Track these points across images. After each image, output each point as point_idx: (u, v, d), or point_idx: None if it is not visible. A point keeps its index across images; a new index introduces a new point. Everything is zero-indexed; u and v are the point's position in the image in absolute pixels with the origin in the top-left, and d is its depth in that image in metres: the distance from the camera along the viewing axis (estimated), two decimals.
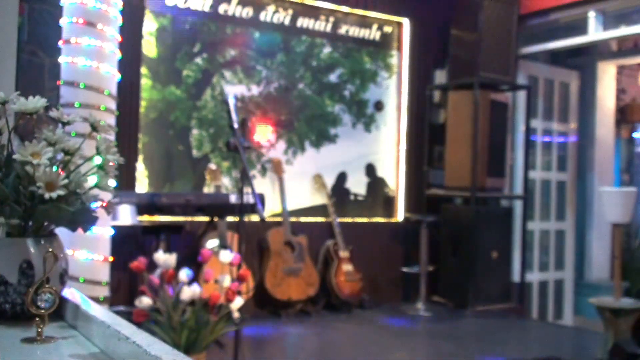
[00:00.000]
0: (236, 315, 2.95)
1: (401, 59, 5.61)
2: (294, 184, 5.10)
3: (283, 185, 4.86)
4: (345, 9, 5.28)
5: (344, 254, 4.95)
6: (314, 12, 5.18)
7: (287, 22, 5.06)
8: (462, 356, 4.01)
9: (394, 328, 4.70)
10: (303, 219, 5.11)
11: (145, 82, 4.48)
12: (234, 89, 4.84)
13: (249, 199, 3.55)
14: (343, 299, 4.89)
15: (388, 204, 5.61)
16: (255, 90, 4.95)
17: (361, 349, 4.14)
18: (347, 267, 4.93)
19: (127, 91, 4.20)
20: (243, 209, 3.27)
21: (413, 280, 5.25)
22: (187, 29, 4.64)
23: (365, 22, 5.43)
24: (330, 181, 5.30)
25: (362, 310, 4.99)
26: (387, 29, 5.55)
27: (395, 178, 5.63)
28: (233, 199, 4.11)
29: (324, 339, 4.34)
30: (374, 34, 5.48)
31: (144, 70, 4.46)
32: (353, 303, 4.96)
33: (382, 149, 5.57)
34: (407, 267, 5.34)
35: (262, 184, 4.88)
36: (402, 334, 4.56)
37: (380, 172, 5.57)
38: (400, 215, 5.57)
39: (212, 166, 4.67)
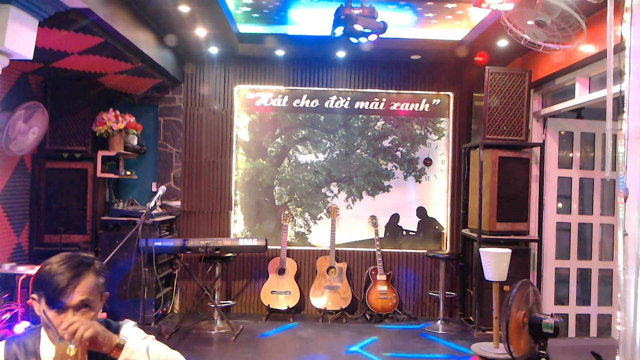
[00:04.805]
0: None
1: (449, 123, 6.86)
2: (353, 222, 6.81)
3: (334, 226, 6.59)
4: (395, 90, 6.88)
5: (380, 277, 6.35)
6: (368, 96, 6.92)
7: (346, 106, 6.91)
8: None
9: (396, 334, 5.89)
10: (357, 249, 6.72)
11: (241, 157, 6.85)
12: (304, 157, 6.85)
13: (251, 241, 5.57)
14: (375, 312, 6.25)
15: (438, 238, 6.78)
16: (321, 157, 6.87)
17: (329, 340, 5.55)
18: (382, 287, 6.31)
19: (226, 164, 6.66)
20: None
21: (443, 301, 6.26)
22: (270, 119, 6.91)
23: (415, 98, 6.90)
24: (385, 220, 6.80)
25: (390, 321, 6.26)
26: (436, 100, 6.90)
27: (445, 218, 6.79)
28: (241, 242, 5.91)
29: (328, 334, 5.83)
30: (423, 106, 6.91)
31: (240, 149, 6.85)
32: (384, 315, 6.27)
33: (432, 195, 6.85)
34: (432, 291, 6.45)
35: (327, 222, 6.70)
36: (399, 338, 5.74)
37: (431, 213, 6.80)
38: (448, 247, 6.70)
39: (286, 211, 6.69)
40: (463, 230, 6.52)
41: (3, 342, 1.83)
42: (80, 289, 1.73)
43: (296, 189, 6.87)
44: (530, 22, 3.52)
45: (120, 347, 1.70)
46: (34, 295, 1.79)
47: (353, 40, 4.70)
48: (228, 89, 6.79)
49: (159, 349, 1.79)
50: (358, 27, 4.50)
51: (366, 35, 4.60)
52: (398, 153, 6.90)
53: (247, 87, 6.83)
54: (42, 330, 1.81)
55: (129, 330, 1.84)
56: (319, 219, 6.84)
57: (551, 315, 3.85)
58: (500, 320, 4.39)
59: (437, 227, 6.83)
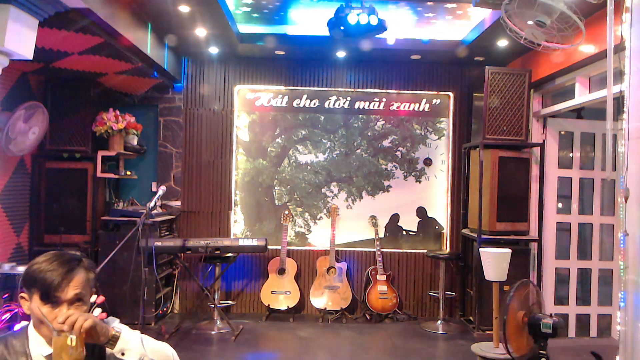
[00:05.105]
0: None
1: (449, 123, 6.85)
2: (353, 222, 6.81)
3: (334, 225, 6.59)
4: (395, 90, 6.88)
5: (380, 277, 6.35)
6: (368, 96, 6.91)
7: (346, 106, 6.91)
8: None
9: (396, 334, 5.89)
10: (357, 249, 6.72)
11: (241, 157, 6.85)
12: (304, 157, 6.85)
13: (251, 241, 5.57)
14: (375, 312, 6.25)
15: (438, 238, 6.78)
16: (321, 157, 6.87)
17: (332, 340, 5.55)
18: (382, 287, 6.31)
19: (226, 164, 6.67)
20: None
21: (443, 301, 6.26)
22: (270, 119, 6.90)
23: (415, 98, 6.89)
24: (385, 220, 6.80)
25: (390, 321, 6.27)
26: (436, 100, 6.89)
27: (445, 218, 6.79)
28: (241, 242, 5.90)
29: (328, 334, 5.84)
30: (423, 106, 6.90)
31: (240, 149, 6.85)
32: (384, 316, 6.28)
33: (432, 195, 6.84)
34: (432, 291, 6.47)
35: (327, 222, 6.70)
36: (399, 338, 5.75)
37: (431, 213, 6.80)
38: (448, 247, 6.71)
39: (286, 211, 6.69)
40: (463, 230, 6.52)
41: None
42: (74, 284, 1.78)
43: (296, 189, 6.87)
44: (530, 23, 3.52)
45: (116, 338, 1.76)
46: (24, 294, 1.82)
47: (353, 40, 4.72)
48: (228, 89, 6.79)
49: (150, 339, 1.87)
50: (357, 25, 4.51)
51: (366, 35, 4.61)
52: (398, 153, 6.90)
53: (247, 87, 6.83)
54: (30, 330, 1.84)
55: (118, 326, 1.90)
56: (319, 219, 6.84)
57: (550, 315, 3.84)
58: (499, 320, 4.39)
59: (437, 227, 6.83)
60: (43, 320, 1.75)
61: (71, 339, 1.64)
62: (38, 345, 1.80)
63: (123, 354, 1.76)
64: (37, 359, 1.79)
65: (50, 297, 1.75)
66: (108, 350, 1.80)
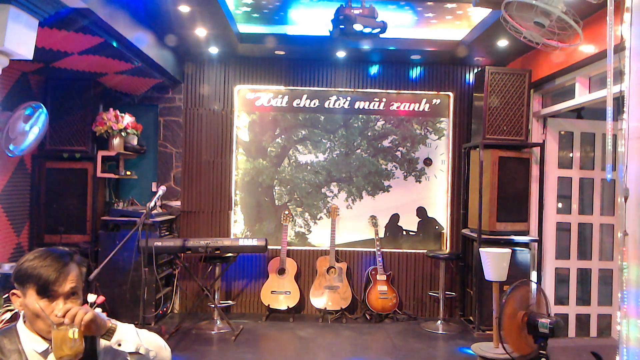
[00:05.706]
0: None
1: (449, 123, 6.85)
2: (353, 222, 6.82)
3: (334, 225, 6.58)
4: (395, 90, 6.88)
5: (380, 277, 6.35)
6: (368, 96, 6.90)
7: (346, 106, 6.90)
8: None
9: (396, 334, 5.89)
10: (357, 249, 6.73)
11: (241, 157, 6.85)
12: (304, 157, 6.85)
13: (251, 241, 5.57)
14: (375, 312, 6.26)
15: (438, 238, 6.78)
16: (321, 157, 6.87)
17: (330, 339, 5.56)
18: (382, 287, 6.31)
19: (226, 164, 6.67)
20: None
21: (443, 301, 6.26)
22: (270, 119, 6.90)
23: (415, 98, 6.89)
24: (385, 220, 6.80)
25: (390, 321, 6.27)
26: (436, 100, 6.89)
27: (445, 218, 6.79)
28: (241, 242, 5.88)
29: (328, 334, 5.84)
30: (423, 106, 6.89)
31: (240, 149, 6.84)
32: (384, 316, 6.28)
33: (432, 195, 6.84)
34: (432, 291, 6.48)
35: (327, 222, 6.70)
36: (399, 338, 5.75)
37: (431, 213, 6.80)
38: (448, 247, 6.71)
39: (286, 211, 6.69)
40: (463, 230, 6.53)
41: None
42: (70, 278, 1.83)
43: (296, 189, 6.87)
44: (529, 24, 3.52)
45: (112, 330, 1.82)
46: (16, 291, 1.84)
47: (353, 40, 4.72)
48: (228, 89, 6.79)
49: (143, 330, 1.93)
50: (358, 27, 4.51)
51: (366, 35, 4.61)
52: (398, 153, 6.89)
53: (247, 87, 6.83)
54: (20, 327, 1.86)
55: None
56: (319, 219, 6.84)
57: (548, 315, 3.85)
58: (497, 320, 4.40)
59: (437, 227, 6.84)
60: (40, 314, 1.78)
61: (73, 332, 1.69)
62: (30, 341, 1.83)
63: (120, 345, 1.81)
64: (30, 355, 1.81)
65: (47, 291, 1.79)
66: (102, 342, 1.85)
